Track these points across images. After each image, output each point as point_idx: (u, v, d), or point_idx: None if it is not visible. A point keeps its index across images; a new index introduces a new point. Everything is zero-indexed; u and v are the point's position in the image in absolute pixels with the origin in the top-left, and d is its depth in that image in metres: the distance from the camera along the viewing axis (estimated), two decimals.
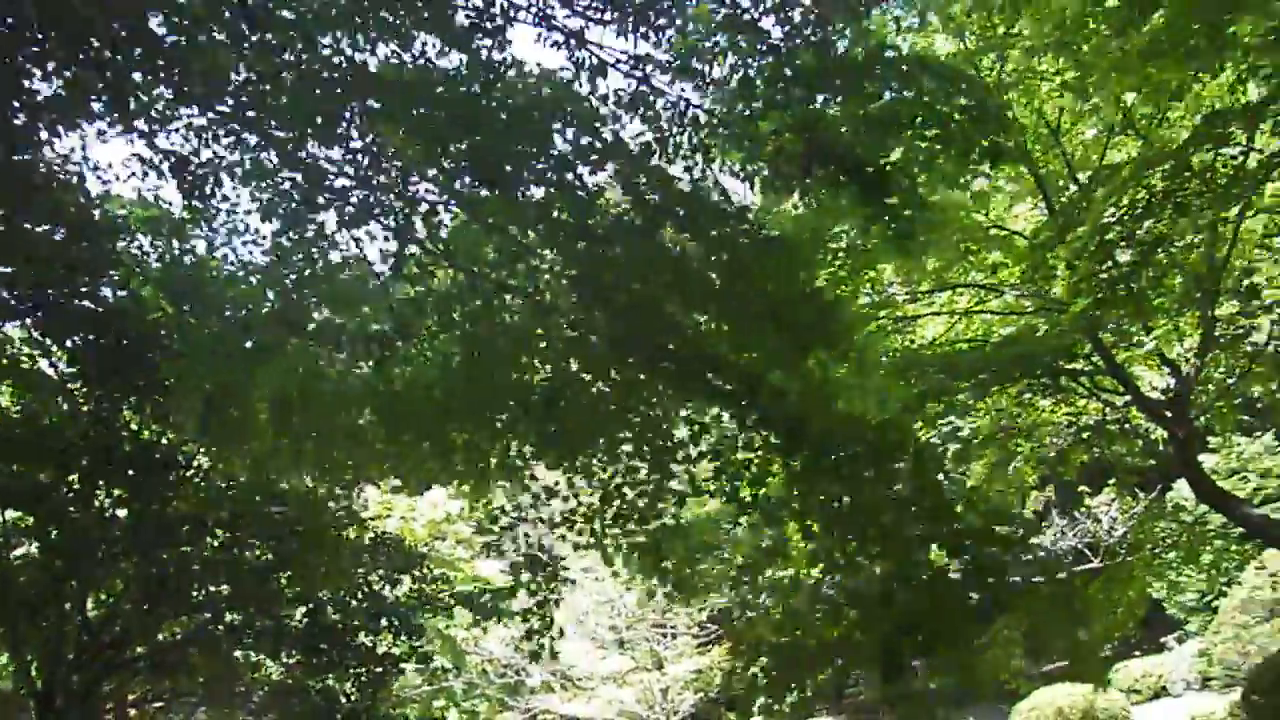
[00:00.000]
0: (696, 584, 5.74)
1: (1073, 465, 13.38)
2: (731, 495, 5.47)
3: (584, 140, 5.42)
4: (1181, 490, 25.02)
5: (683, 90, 5.70)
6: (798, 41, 5.26)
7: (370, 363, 5.58)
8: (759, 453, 5.50)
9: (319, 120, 5.31)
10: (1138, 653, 27.51)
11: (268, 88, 5.31)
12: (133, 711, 12.20)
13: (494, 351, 5.24)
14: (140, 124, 5.69)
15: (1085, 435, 13.45)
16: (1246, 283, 11.13)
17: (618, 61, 5.69)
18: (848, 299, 9.61)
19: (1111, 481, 19.12)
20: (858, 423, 5.64)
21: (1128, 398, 10.86)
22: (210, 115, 5.58)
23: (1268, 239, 10.64)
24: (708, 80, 5.46)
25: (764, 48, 5.25)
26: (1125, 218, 7.41)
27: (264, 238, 6.53)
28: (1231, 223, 9.38)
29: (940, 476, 6.89)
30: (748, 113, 5.43)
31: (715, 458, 5.54)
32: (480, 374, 5.21)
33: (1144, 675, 24.39)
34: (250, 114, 5.57)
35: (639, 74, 5.44)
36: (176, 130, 5.83)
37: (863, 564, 5.39)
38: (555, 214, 5.21)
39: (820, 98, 5.50)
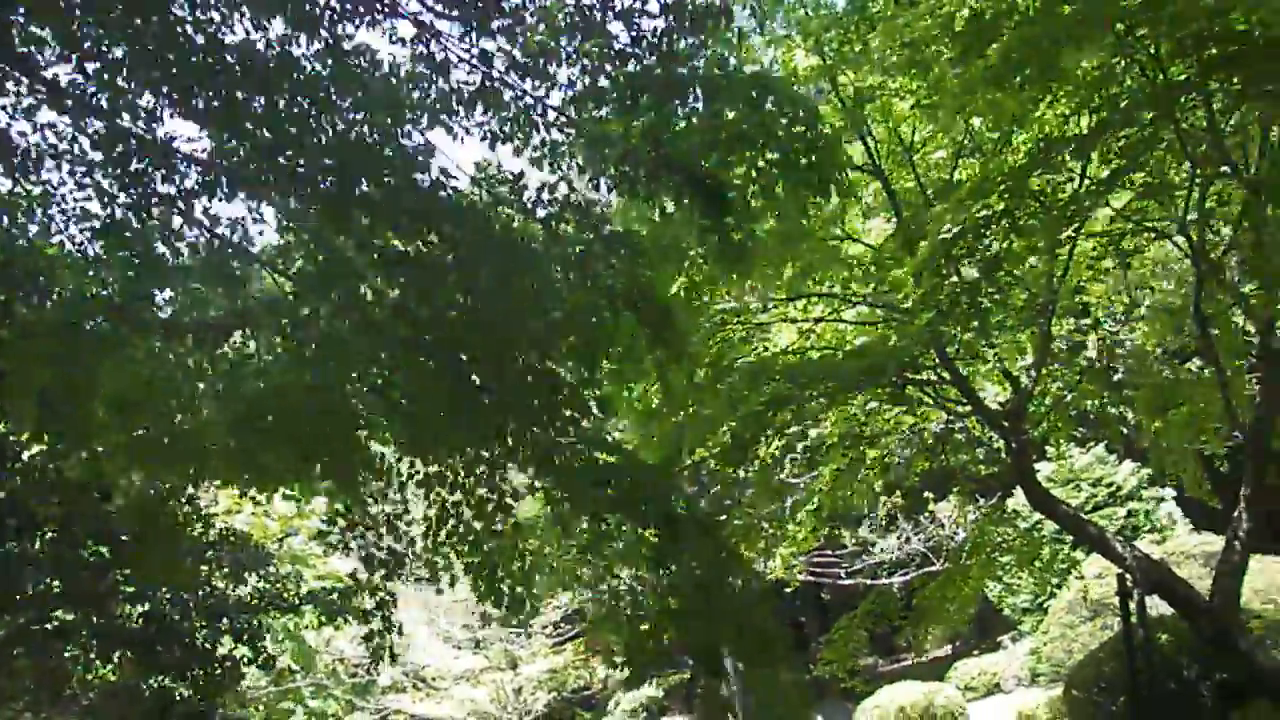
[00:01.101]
0: (530, 600, 5.73)
1: (917, 472, 13.97)
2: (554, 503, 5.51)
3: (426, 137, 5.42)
4: (1020, 498, 26.41)
5: (535, 87, 5.74)
6: (646, 48, 5.33)
7: (214, 358, 5.39)
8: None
9: (168, 95, 5.11)
10: (976, 651, 28.88)
11: (112, 59, 5.07)
12: None
13: (334, 359, 5.12)
14: None
15: (930, 444, 14.05)
16: (1079, 300, 11.82)
17: (467, 57, 5.68)
18: (700, 306, 9.79)
19: (955, 489, 20.05)
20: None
21: (969, 408, 11.35)
22: (39, 92, 5.30)
23: (1097, 261, 11.27)
24: (555, 81, 5.50)
25: (612, 52, 5.30)
26: (967, 235, 7.76)
27: (101, 222, 6.21)
28: (1067, 245, 9.92)
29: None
30: (598, 115, 5.49)
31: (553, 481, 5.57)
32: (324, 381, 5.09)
33: (980, 673, 25.59)
34: (90, 90, 5.31)
35: (485, 69, 5.42)
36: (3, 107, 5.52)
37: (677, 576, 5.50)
38: (389, 221, 5.16)
39: (671, 106, 5.58)
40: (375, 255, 5.33)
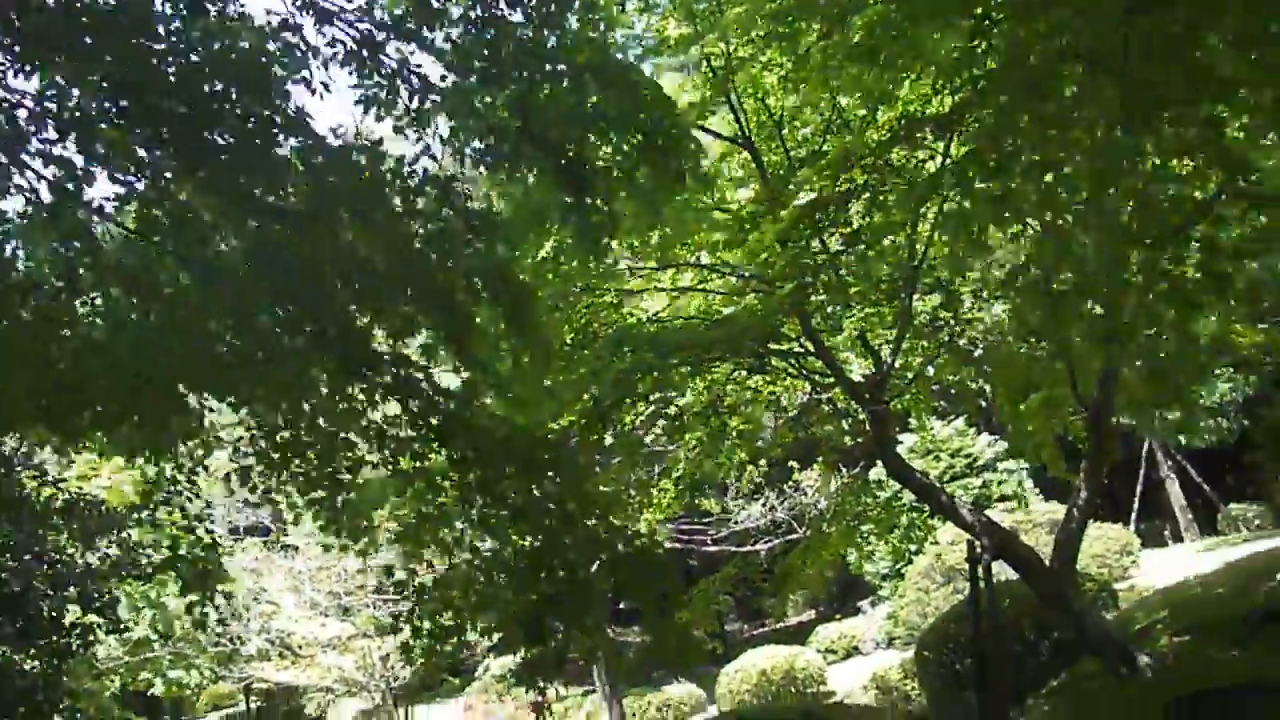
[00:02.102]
0: (371, 540, 5.59)
1: (781, 443, 14.23)
2: (395, 469, 5.39)
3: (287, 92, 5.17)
4: (882, 469, 27.31)
5: (407, 49, 5.55)
6: (517, 18, 5.21)
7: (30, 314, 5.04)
8: (422, 432, 5.44)
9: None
10: (836, 617, 29.88)
11: None
12: None
13: (167, 316, 4.86)
14: None
15: (794, 415, 14.35)
16: (937, 276, 12.14)
17: (340, 12, 5.46)
18: (569, 271, 9.68)
19: (820, 458, 20.57)
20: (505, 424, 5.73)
21: (832, 379, 11.58)
22: None
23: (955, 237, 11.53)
24: (425, 43, 5.32)
25: (482, 17, 5.16)
26: (831, 207, 7.87)
27: None
28: (929, 221, 10.15)
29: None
30: (467, 82, 5.34)
31: (379, 434, 5.43)
32: (154, 339, 4.82)
33: (839, 637, 26.47)
34: None
35: (359, 28, 5.21)
36: None
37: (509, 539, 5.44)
38: (239, 181, 4.91)
39: (540, 79, 5.47)
40: (226, 207, 5.08)
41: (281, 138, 5.20)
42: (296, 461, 5.26)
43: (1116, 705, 9.32)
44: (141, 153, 5.12)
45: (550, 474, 5.62)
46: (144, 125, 4.89)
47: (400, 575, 5.63)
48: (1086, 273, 7.24)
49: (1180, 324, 7.24)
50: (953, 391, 17.18)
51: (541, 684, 7.09)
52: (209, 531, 6.71)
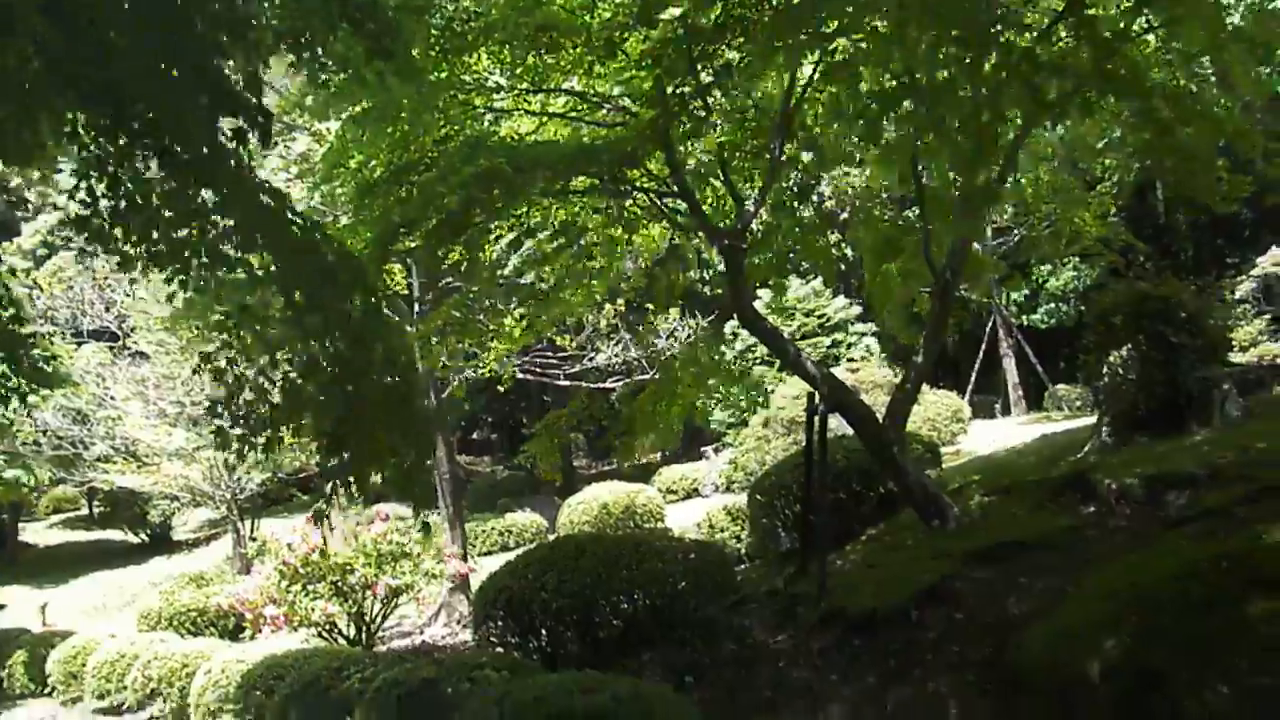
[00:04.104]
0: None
1: (636, 287, 14.19)
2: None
3: None
4: (736, 323, 27.89)
5: None
6: None
7: None
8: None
9: None
10: (682, 459, 30.94)
11: None
12: None
13: None
14: None
15: (655, 260, 14.28)
16: (810, 134, 12.02)
17: None
18: (442, 79, 9.14)
19: (677, 304, 20.75)
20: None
21: (694, 221, 11.44)
22: None
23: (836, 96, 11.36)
24: None
25: None
26: (702, 40, 7.55)
27: None
28: (802, 65, 9.88)
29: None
30: None
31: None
32: None
33: (681, 479, 27.46)
34: None
35: None
36: None
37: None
38: None
39: None
40: None
41: None
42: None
43: (923, 551, 9.93)
44: None
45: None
46: None
47: (220, 364, 5.31)
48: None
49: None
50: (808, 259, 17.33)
51: (356, 497, 6.99)
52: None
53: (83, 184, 4.83)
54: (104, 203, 4.81)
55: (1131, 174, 16.71)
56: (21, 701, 19.53)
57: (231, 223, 4.81)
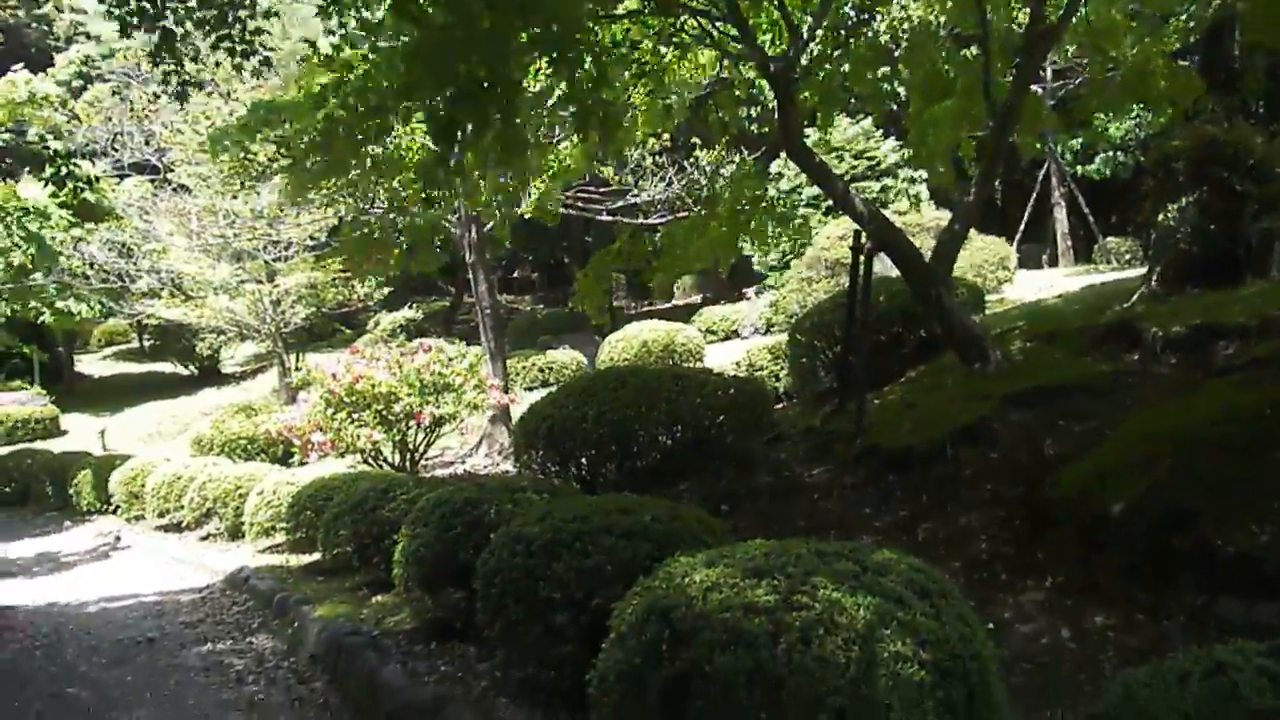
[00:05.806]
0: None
1: (683, 119, 13.80)
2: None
3: None
4: (784, 162, 27.25)
5: None
6: None
7: None
8: None
9: None
10: (723, 301, 30.92)
11: None
12: None
13: None
14: None
15: (703, 93, 13.87)
16: None
17: None
18: None
19: (725, 139, 20.30)
20: None
21: (744, 49, 11.04)
22: None
23: None
24: None
25: None
26: None
27: None
28: None
29: None
30: None
31: None
32: None
33: (721, 319, 27.54)
34: None
35: None
36: None
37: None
38: None
39: None
40: None
41: None
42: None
43: (962, 392, 9.95)
44: None
45: None
46: None
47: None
48: None
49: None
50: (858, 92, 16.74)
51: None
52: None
53: None
54: None
55: (1210, 8, 15.76)
56: (90, 517, 20.67)
57: None
